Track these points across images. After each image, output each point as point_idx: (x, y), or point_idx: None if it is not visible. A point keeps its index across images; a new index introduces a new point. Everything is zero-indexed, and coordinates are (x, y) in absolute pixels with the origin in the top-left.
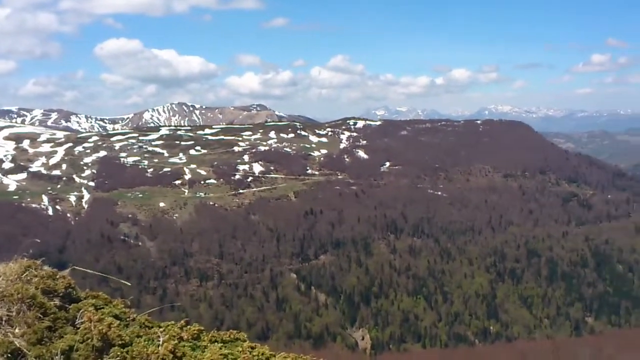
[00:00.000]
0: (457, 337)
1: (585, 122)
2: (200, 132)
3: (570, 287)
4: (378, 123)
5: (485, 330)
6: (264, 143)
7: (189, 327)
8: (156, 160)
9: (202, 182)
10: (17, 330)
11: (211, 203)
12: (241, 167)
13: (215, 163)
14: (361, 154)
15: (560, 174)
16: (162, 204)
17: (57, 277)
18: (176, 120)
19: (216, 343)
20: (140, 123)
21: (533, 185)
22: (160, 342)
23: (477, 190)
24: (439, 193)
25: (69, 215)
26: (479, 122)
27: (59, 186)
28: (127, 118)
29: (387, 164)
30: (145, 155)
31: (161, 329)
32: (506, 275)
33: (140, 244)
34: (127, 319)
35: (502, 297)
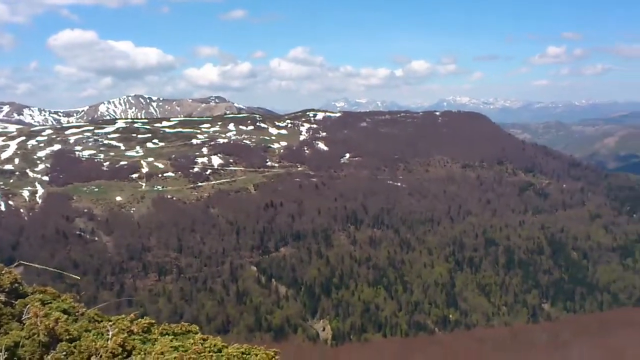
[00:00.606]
0: (417, 326)
1: (541, 113)
2: (158, 124)
3: (527, 275)
4: (338, 115)
5: (445, 318)
6: (223, 135)
7: (139, 320)
8: (112, 154)
9: (160, 176)
10: None
11: (169, 196)
12: (200, 160)
13: (173, 156)
14: (321, 145)
15: (517, 164)
16: (118, 198)
17: (3, 272)
18: (133, 112)
19: (167, 336)
20: (95, 116)
21: (491, 176)
22: (110, 336)
23: (436, 181)
24: (399, 184)
25: (22, 210)
26: (437, 113)
27: (11, 181)
28: (82, 111)
29: (347, 155)
30: (101, 148)
31: (111, 323)
32: (465, 264)
33: (96, 239)
34: (76, 314)
35: (460, 285)
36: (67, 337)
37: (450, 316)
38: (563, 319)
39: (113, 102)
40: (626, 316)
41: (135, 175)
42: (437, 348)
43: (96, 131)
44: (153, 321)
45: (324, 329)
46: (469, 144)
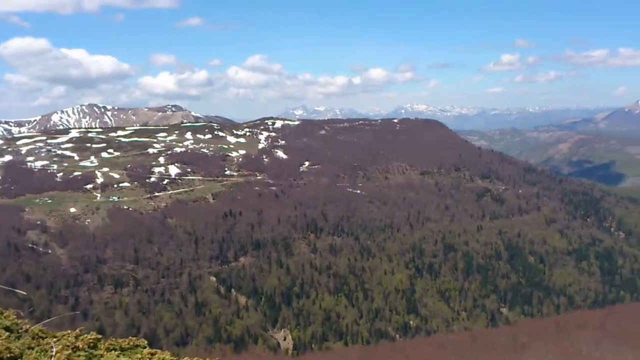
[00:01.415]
0: (378, 333)
1: (496, 120)
2: (113, 134)
3: (485, 280)
4: (297, 123)
5: (406, 325)
6: (180, 144)
7: (84, 335)
8: (66, 164)
9: (116, 186)
10: None
11: (125, 207)
12: (156, 170)
13: (129, 166)
14: (280, 154)
15: (474, 170)
16: (72, 210)
17: None
18: (87, 122)
19: (114, 351)
20: (48, 125)
21: (449, 182)
22: (54, 353)
23: (395, 188)
24: (358, 191)
25: None
26: (396, 120)
27: None
28: (35, 120)
29: (307, 163)
30: (54, 159)
31: (55, 339)
32: (425, 270)
33: (50, 251)
34: (19, 330)
35: (421, 291)
36: (8, 355)
37: (411, 322)
38: (521, 322)
39: (66, 111)
40: (581, 318)
41: (89, 186)
42: (398, 355)
43: (49, 141)
44: (99, 336)
45: (284, 339)
46: (427, 151)
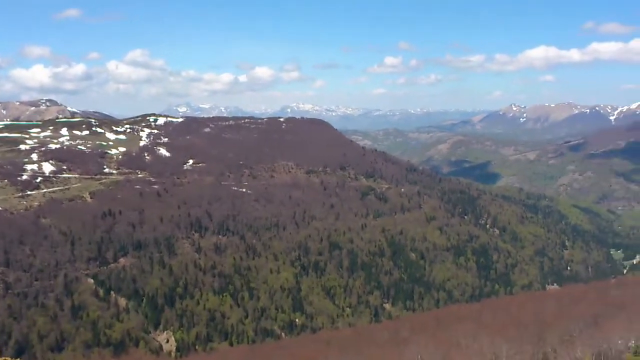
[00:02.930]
0: (264, 332)
1: (380, 121)
2: None
3: (369, 276)
4: (180, 120)
5: (291, 322)
6: (55, 141)
7: None
8: None
9: None
10: None
11: None
12: (29, 167)
13: None
14: (163, 151)
15: (359, 169)
16: None
17: None
18: None
19: None
20: None
21: (334, 181)
22: None
23: (281, 187)
24: (244, 190)
25: None
26: (282, 119)
27: None
28: None
29: (191, 161)
30: None
31: None
32: (310, 268)
33: None
34: None
35: (306, 289)
36: None
37: (297, 320)
38: (403, 317)
39: None
40: (459, 312)
41: None
42: (283, 353)
43: None
44: None
45: (167, 341)
46: (313, 150)
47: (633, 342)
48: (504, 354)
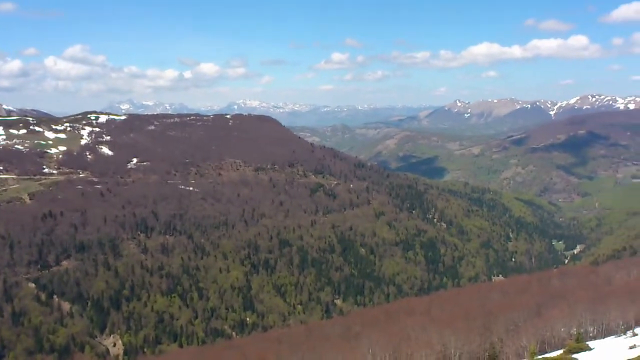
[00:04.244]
0: (214, 332)
1: (328, 117)
2: None
3: (320, 273)
4: (123, 117)
5: (242, 322)
6: None
7: None
8: None
9: None
10: None
11: None
12: None
13: None
14: (105, 150)
15: (308, 166)
16: None
17: None
18: None
19: None
20: None
21: (283, 178)
22: None
23: (229, 184)
24: (191, 188)
25: None
26: (228, 116)
27: None
28: None
29: (135, 160)
30: None
31: None
32: (260, 266)
33: None
34: None
35: (257, 288)
36: None
37: (248, 319)
38: (354, 312)
39: None
40: (409, 305)
41: None
42: (234, 353)
43: None
44: None
45: (114, 345)
46: (261, 147)
47: (575, 329)
48: (452, 345)
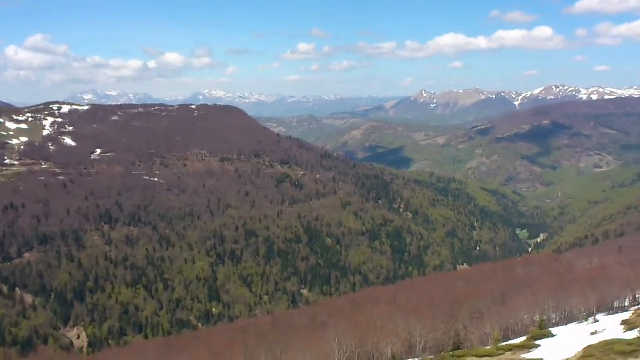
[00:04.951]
0: (180, 323)
1: (294, 107)
2: None
3: (286, 263)
4: (86, 108)
5: (208, 312)
6: None
7: None
8: None
9: None
10: None
11: None
12: None
13: None
14: (68, 141)
15: (274, 156)
16: None
17: None
18: None
19: None
20: None
21: (249, 168)
22: None
23: (194, 175)
24: (156, 179)
25: None
26: (194, 107)
27: None
28: None
29: (99, 151)
30: None
31: None
32: (226, 257)
33: None
34: None
35: (223, 278)
36: None
37: (214, 310)
38: (320, 302)
39: None
40: (375, 294)
41: None
42: (200, 344)
43: None
44: None
45: (78, 337)
46: (227, 137)
47: (538, 316)
48: (418, 333)
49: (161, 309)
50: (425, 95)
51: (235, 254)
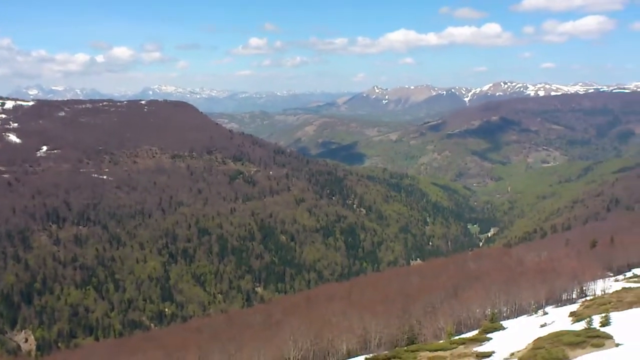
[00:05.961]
0: (132, 324)
1: (246, 103)
2: None
3: (240, 261)
4: (31, 103)
5: (161, 313)
6: None
7: None
8: None
9: None
10: None
11: None
12: None
13: None
14: (12, 137)
15: (226, 153)
16: None
17: None
18: None
19: None
20: None
21: (201, 165)
22: None
23: (145, 172)
24: (105, 177)
25: None
26: (143, 102)
27: None
28: None
29: (45, 148)
30: None
31: None
32: (179, 255)
33: None
34: None
35: (175, 278)
36: None
37: (166, 310)
38: (275, 299)
39: None
40: (330, 291)
41: None
42: (152, 344)
43: None
44: None
45: (26, 340)
46: (178, 133)
47: (489, 309)
48: (372, 328)
49: (112, 309)
50: (377, 91)
51: (188, 253)
